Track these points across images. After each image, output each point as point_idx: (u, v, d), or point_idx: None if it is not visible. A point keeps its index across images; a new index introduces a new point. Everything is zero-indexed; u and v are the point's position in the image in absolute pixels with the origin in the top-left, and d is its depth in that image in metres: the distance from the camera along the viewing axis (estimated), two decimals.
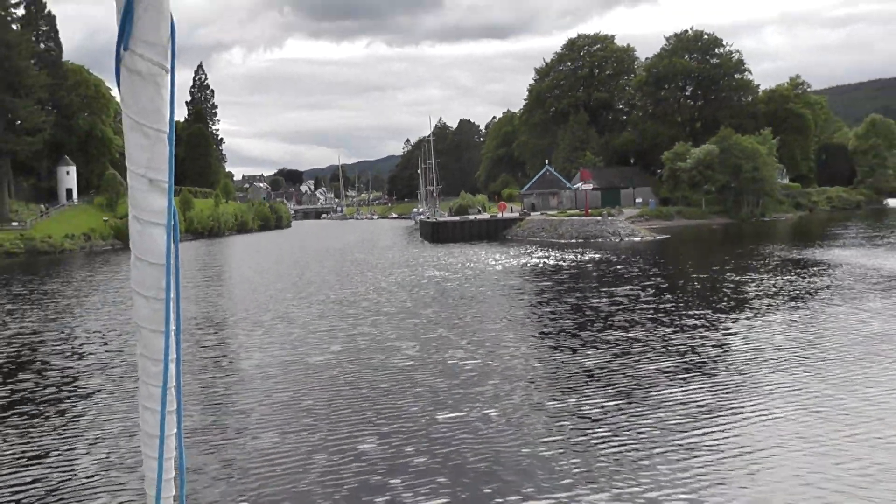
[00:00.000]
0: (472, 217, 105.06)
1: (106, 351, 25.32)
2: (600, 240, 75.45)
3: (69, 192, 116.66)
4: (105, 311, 35.50)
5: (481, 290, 37.93)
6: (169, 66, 2.02)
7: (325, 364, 21.45)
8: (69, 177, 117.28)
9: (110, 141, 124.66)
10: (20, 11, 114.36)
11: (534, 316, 29.28)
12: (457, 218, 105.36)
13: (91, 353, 25.07)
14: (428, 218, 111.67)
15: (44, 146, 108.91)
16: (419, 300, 34.85)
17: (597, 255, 57.38)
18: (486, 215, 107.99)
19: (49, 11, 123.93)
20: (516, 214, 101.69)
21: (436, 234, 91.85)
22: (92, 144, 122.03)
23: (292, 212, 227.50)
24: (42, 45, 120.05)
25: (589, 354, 21.57)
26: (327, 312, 31.80)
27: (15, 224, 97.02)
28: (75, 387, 20.42)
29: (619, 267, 48.00)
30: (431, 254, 66.20)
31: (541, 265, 51.08)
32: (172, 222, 2.10)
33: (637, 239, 75.15)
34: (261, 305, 35.13)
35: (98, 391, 19.76)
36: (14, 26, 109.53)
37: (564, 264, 51.00)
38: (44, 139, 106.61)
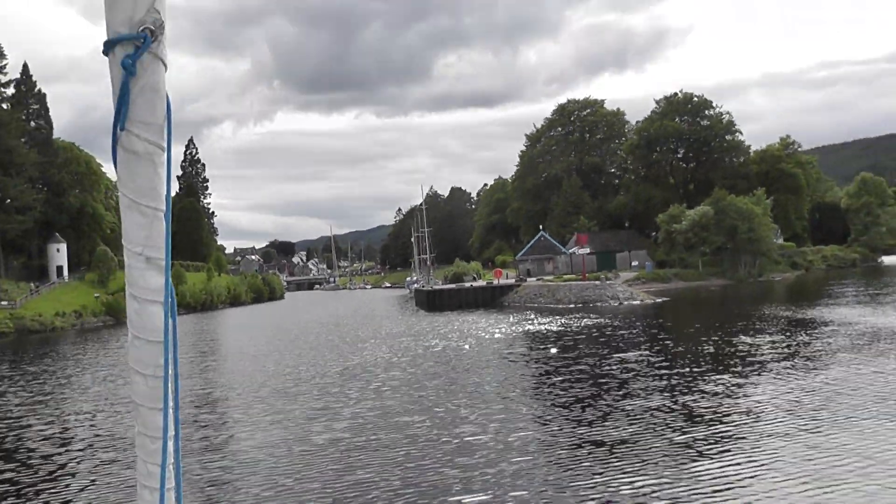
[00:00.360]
0: (467, 284, 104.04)
1: (95, 434, 24.06)
2: (599, 304, 74.35)
3: (59, 269, 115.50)
4: (95, 391, 34.23)
5: (486, 359, 36.67)
6: (165, 145, 2.06)
7: (330, 443, 20.25)
8: (60, 254, 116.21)
9: (101, 217, 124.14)
10: (10, 90, 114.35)
11: (545, 385, 28.09)
12: (452, 286, 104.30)
13: (80, 437, 23.91)
14: (423, 286, 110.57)
15: (34, 224, 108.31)
16: (423, 371, 33.59)
17: (598, 320, 56.19)
18: (481, 282, 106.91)
19: (39, 90, 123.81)
20: (512, 280, 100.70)
21: (432, 302, 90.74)
22: (83, 221, 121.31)
23: (285, 283, 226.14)
24: (32, 124, 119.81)
25: (607, 425, 20.41)
26: (329, 386, 30.56)
27: (4, 303, 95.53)
28: (64, 472, 19.54)
29: (623, 331, 46.87)
30: (429, 322, 64.99)
31: (543, 331, 49.88)
32: (170, 300, 2.11)
33: (636, 302, 74.10)
34: (259, 381, 33.88)
35: (90, 474, 19.05)
36: (4, 105, 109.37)
37: (567, 330, 49.79)
38: (34, 217, 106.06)
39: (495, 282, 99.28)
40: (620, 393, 25.22)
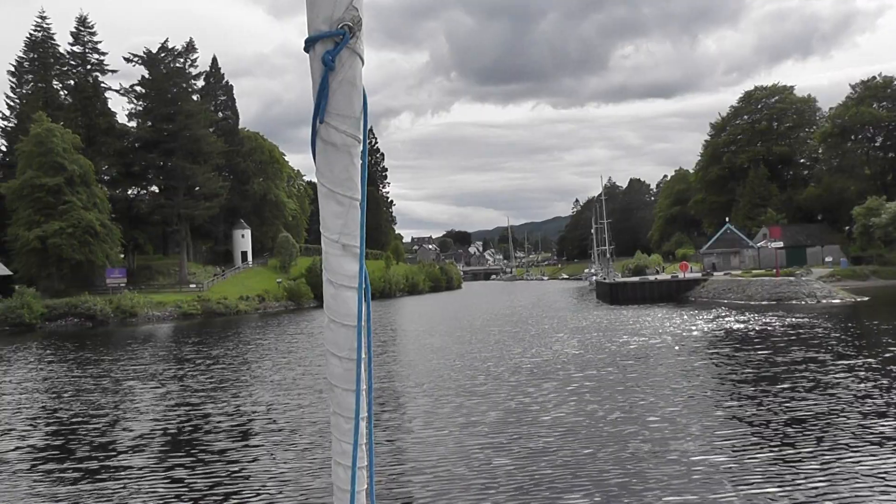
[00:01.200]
0: (651, 277, 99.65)
1: (273, 420, 22.18)
2: (794, 302, 68.90)
3: (244, 254, 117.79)
4: (275, 378, 32.83)
5: (691, 361, 32.98)
6: (361, 137, 2.14)
7: (533, 453, 17.51)
8: (244, 240, 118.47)
9: (284, 204, 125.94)
10: (200, 83, 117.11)
11: (766, 394, 24.54)
12: (635, 278, 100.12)
13: (258, 423, 22.28)
14: (604, 279, 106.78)
15: (220, 211, 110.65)
16: (623, 372, 30.30)
17: (801, 319, 51.38)
18: (665, 275, 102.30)
19: (227, 82, 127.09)
20: (698, 274, 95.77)
21: (614, 295, 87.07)
22: (266, 208, 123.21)
23: (462, 273, 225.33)
24: (220, 114, 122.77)
25: (842, 444, 16.88)
26: (522, 385, 27.77)
27: (193, 286, 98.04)
28: (256, 443, 20.32)
29: (836, 333, 42.19)
30: (615, 316, 61.48)
31: (743, 330, 45.62)
32: (364, 285, 2.20)
33: (836, 301, 68.29)
34: (445, 375, 31.58)
35: (273, 447, 19.57)
36: (194, 97, 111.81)
37: (771, 330, 45.29)
38: (220, 204, 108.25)
39: (680, 275, 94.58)
40: (856, 409, 21.53)
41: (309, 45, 2.08)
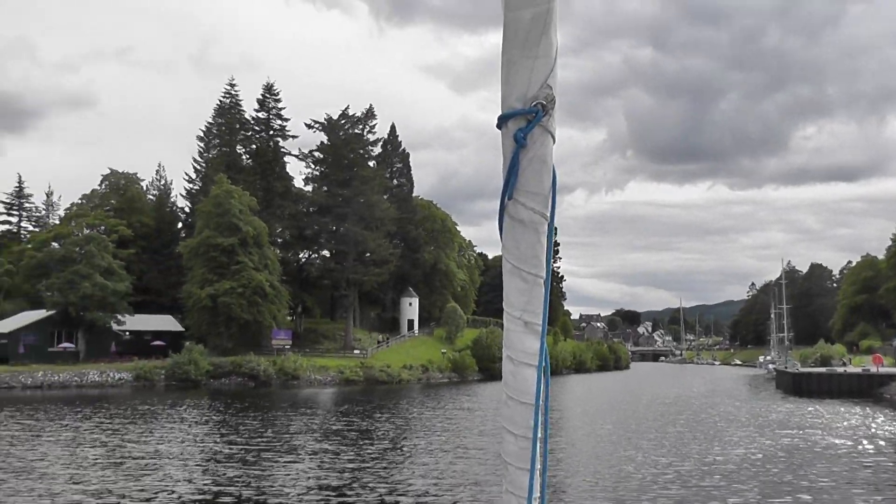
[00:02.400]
0: (839, 369, 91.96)
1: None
2: None
3: (410, 322, 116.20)
4: (428, 460, 30.47)
5: None
6: (549, 215, 2.10)
7: None
8: (411, 308, 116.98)
9: (453, 274, 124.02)
10: (377, 149, 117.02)
11: None
12: (822, 369, 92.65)
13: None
14: (786, 367, 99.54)
15: (389, 277, 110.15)
16: (843, 479, 25.72)
17: None
18: (855, 368, 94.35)
19: (404, 150, 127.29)
20: (894, 369, 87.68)
21: (797, 386, 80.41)
22: (435, 277, 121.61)
23: (630, 353, 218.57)
24: (395, 182, 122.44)
25: None
26: (723, 487, 24.12)
27: (357, 352, 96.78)
28: None
29: None
30: (804, 411, 55.62)
31: None
32: (544, 364, 2.15)
33: None
34: (626, 472, 28.26)
35: None
36: (371, 163, 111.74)
37: None
38: (390, 271, 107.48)
39: (872, 369, 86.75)
40: None
41: (501, 121, 2.04)
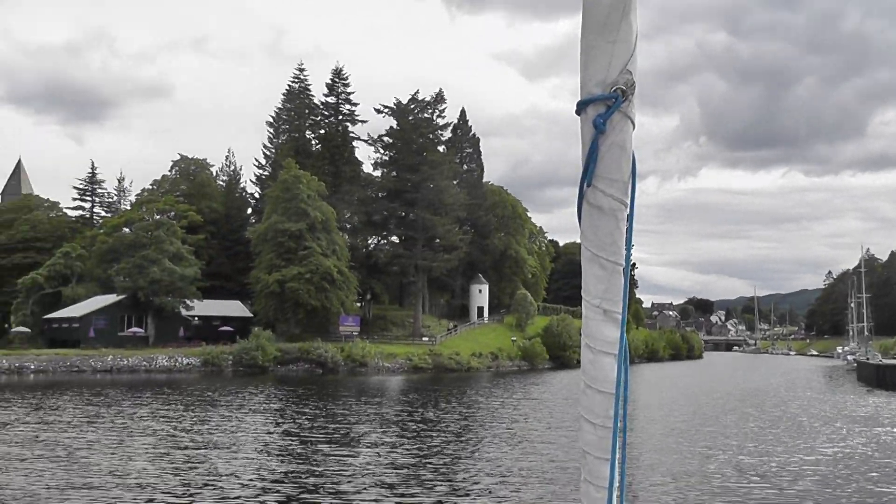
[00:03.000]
0: None
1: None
2: None
3: (480, 309, 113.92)
4: (500, 451, 28.46)
5: None
6: (628, 202, 2.08)
7: None
8: (481, 295, 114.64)
9: (524, 261, 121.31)
10: (447, 134, 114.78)
11: None
12: None
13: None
14: (867, 359, 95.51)
15: (459, 264, 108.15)
16: None
17: None
18: None
19: (474, 135, 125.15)
20: None
21: (881, 378, 76.57)
22: (505, 264, 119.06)
23: (703, 342, 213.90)
24: (465, 167, 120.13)
25: None
26: (815, 493, 21.81)
27: (425, 339, 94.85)
28: None
29: None
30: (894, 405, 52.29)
31: None
32: (623, 352, 2.14)
33: None
34: (703, 461, 26.48)
35: None
36: (440, 148, 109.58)
37: None
38: (459, 257, 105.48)
39: None
40: None
41: (580, 107, 2.02)
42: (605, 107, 1.96)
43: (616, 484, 2.11)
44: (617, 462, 2.10)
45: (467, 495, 20.93)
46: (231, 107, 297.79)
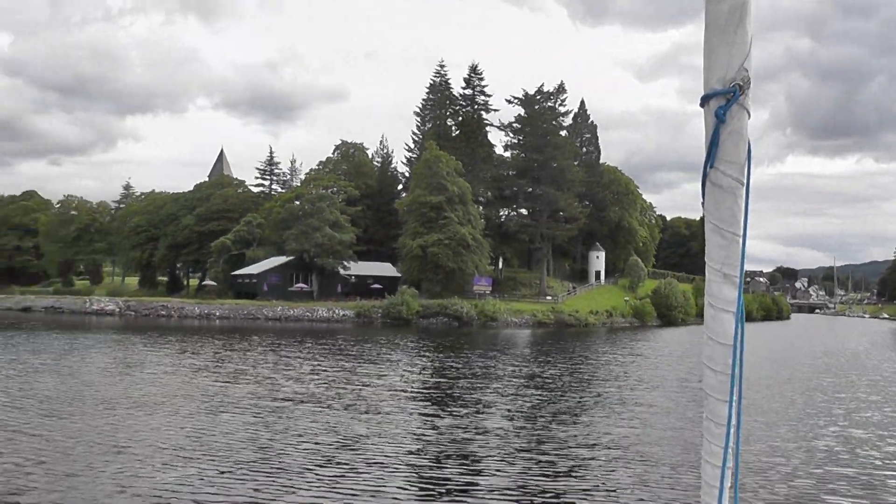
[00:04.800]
0: None
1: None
2: None
3: (597, 273, 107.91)
4: (622, 390, 23.73)
5: None
6: (745, 181, 2.07)
7: None
8: (598, 260, 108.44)
9: (635, 231, 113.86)
10: (568, 121, 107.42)
11: None
12: None
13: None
14: None
15: (579, 233, 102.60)
16: None
17: None
18: None
19: (592, 122, 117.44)
20: None
21: None
22: (619, 234, 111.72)
23: (789, 305, 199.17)
24: (584, 150, 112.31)
25: None
26: None
27: (549, 298, 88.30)
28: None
29: None
30: None
31: None
32: (740, 310, 2.13)
33: None
34: (819, 433, 21.08)
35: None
36: (562, 132, 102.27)
37: None
38: (579, 227, 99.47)
39: None
40: None
41: (704, 101, 2.00)
42: (724, 100, 1.94)
43: (733, 421, 2.08)
44: (734, 403, 2.07)
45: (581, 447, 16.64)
46: (389, 102, 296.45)
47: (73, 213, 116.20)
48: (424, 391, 25.86)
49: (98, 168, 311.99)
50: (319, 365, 32.43)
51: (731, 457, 2.14)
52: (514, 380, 29.62)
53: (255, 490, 12.46)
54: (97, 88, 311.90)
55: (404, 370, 31.94)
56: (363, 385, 26.25)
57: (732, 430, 2.10)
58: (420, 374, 31.14)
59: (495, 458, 15.62)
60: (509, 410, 21.82)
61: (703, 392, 2.14)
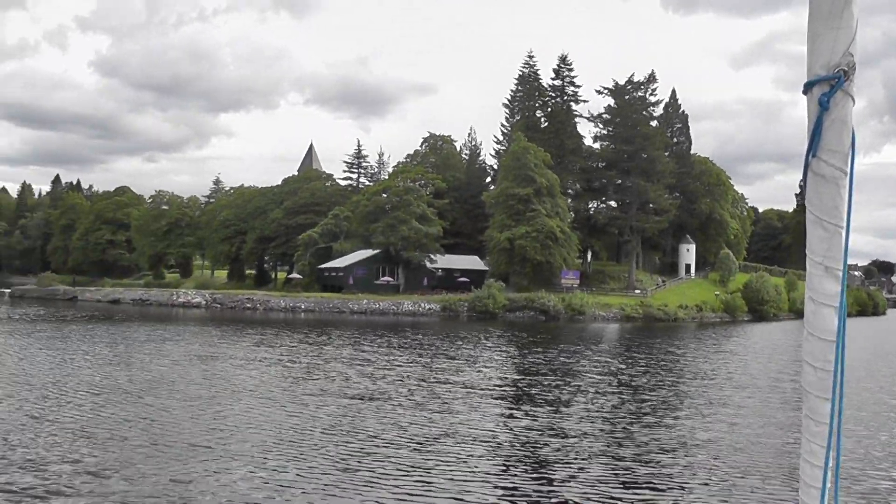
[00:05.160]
0: None
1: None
2: None
3: (687, 266, 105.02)
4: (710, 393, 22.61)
5: None
6: (848, 171, 2.00)
7: None
8: (689, 253, 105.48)
9: (727, 224, 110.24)
10: (658, 110, 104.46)
11: None
12: None
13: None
14: None
15: (669, 226, 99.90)
16: None
17: None
18: None
19: (683, 111, 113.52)
20: None
21: None
22: (710, 226, 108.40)
23: (886, 300, 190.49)
24: (675, 140, 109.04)
25: None
26: None
27: (637, 292, 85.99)
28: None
29: None
30: None
31: None
32: (842, 305, 2.08)
33: None
34: None
35: None
36: (652, 123, 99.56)
37: None
38: (669, 219, 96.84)
39: None
40: None
41: (807, 87, 1.95)
42: (829, 86, 1.88)
43: (835, 419, 2.00)
44: (836, 400, 1.99)
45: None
46: (478, 95, 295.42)
47: (164, 207, 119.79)
48: (502, 388, 25.27)
49: (192, 164, 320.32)
50: (396, 360, 32.12)
51: (832, 457, 2.05)
52: (597, 377, 28.73)
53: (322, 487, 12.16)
54: (192, 87, 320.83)
55: (484, 366, 31.36)
56: (439, 381, 25.78)
57: (834, 428, 2.01)
58: (500, 370, 30.51)
59: (570, 461, 14.93)
60: (588, 410, 21.03)
61: (801, 389, 2.07)
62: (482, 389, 24.34)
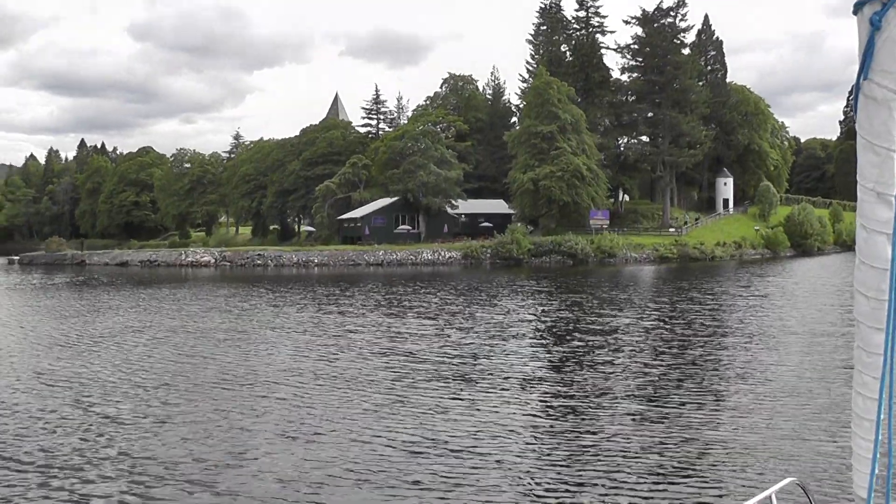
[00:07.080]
0: None
1: None
2: None
3: (725, 202, 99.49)
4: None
5: None
6: None
7: None
8: (726, 188, 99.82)
9: (766, 154, 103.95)
10: (690, 37, 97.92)
11: None
12: None
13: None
14: None
15: (704, 159, 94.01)
16: None
17: None
18: None
19: (717, 38, 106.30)
20: None
21: None
22: (749, 158, 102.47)
23: None
24: (708, 68, 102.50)
25: None
26: None
27: (672, 230, 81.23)
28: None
29: None
30: None
31: None
32: None
33: None
34: None
35: None
36: (684, 51, 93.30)
37: None
38: (704, 152, 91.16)
39: None
40: None
41: (857, 7, 1.87)
42: (880, 4, 1.79)
43: (889, 350, 1.92)
44: (891, 330, 1.90)
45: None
46: (505, 37, 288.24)
47: (186, 166, 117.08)
48: (521, 348, 21.45)
49: (229, 123, 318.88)
50: (397, 315, 28.63)
51: (887, 387, 1.96)
52: (625, 330, 24.67)
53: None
54: (225, 46, 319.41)
55: (498, 320, 27.53)
56: (447, 343, 22.20)
57: (888, 358, 1.92)
58: (518, 323, 26.72)
59: (600, 430, 12.06)
60: (615, 368, 17.48)
61: (854, 319, 1.96)
62: (493, 351, 20.54)
